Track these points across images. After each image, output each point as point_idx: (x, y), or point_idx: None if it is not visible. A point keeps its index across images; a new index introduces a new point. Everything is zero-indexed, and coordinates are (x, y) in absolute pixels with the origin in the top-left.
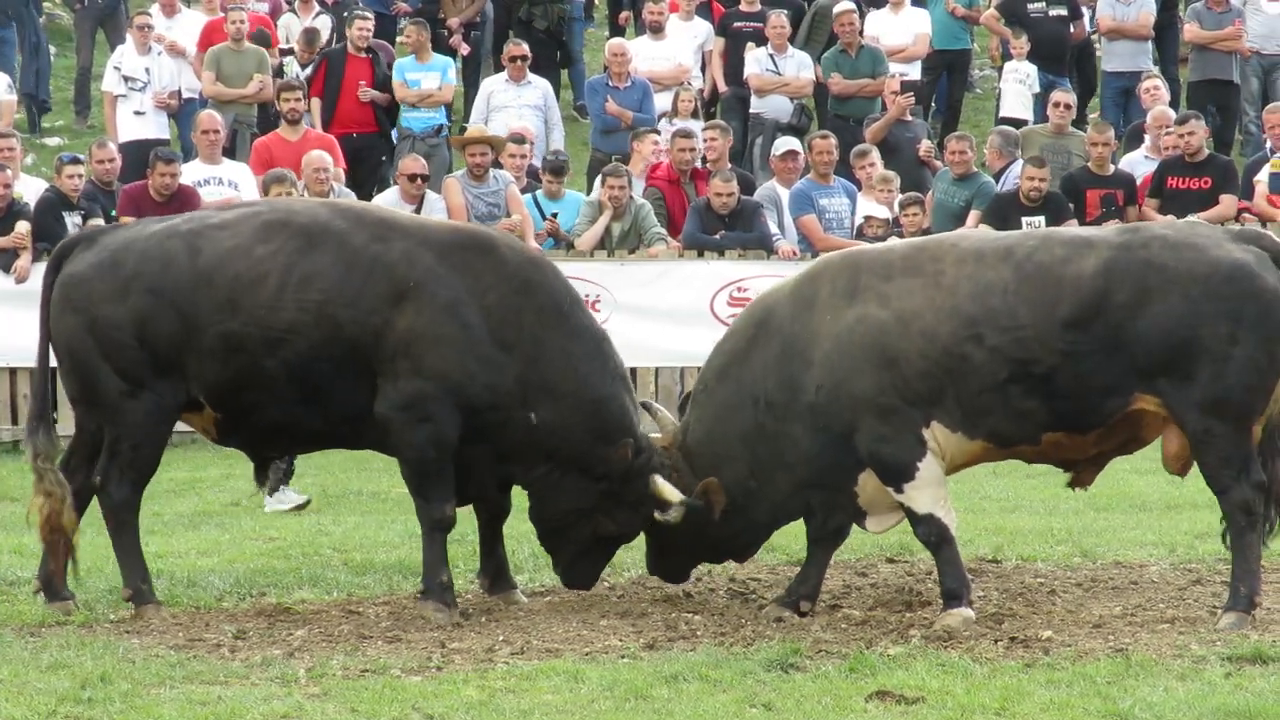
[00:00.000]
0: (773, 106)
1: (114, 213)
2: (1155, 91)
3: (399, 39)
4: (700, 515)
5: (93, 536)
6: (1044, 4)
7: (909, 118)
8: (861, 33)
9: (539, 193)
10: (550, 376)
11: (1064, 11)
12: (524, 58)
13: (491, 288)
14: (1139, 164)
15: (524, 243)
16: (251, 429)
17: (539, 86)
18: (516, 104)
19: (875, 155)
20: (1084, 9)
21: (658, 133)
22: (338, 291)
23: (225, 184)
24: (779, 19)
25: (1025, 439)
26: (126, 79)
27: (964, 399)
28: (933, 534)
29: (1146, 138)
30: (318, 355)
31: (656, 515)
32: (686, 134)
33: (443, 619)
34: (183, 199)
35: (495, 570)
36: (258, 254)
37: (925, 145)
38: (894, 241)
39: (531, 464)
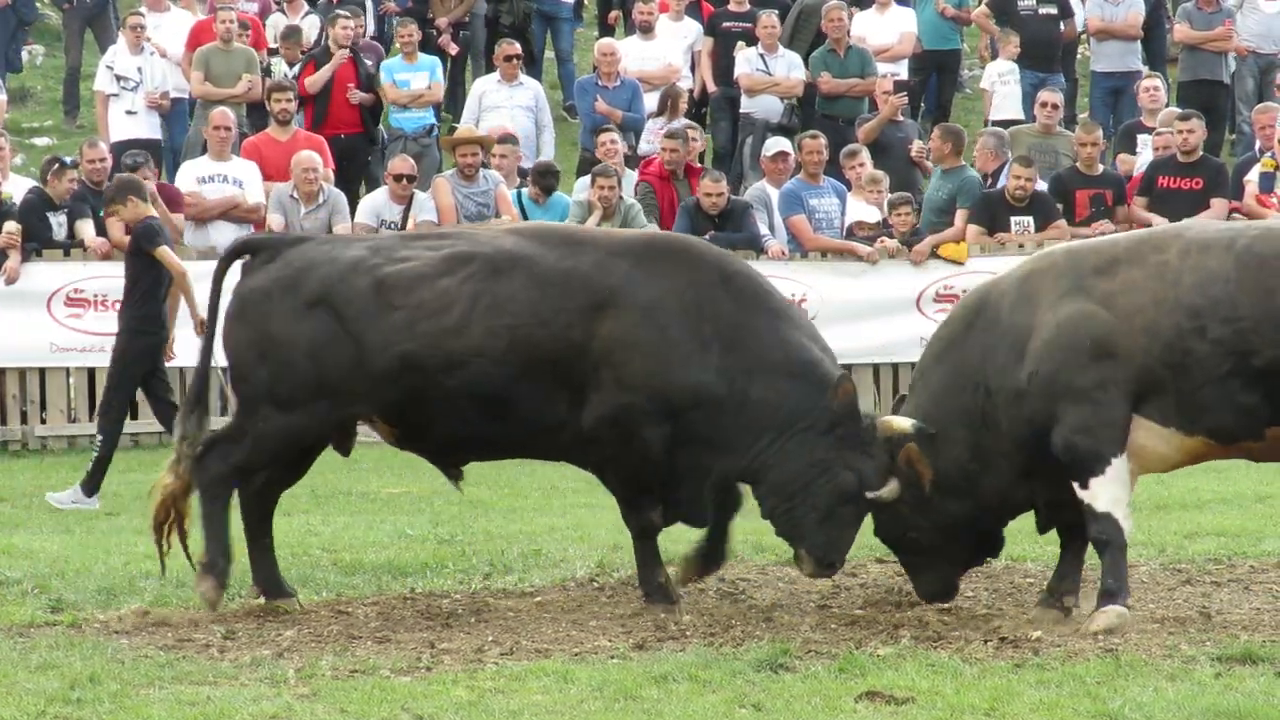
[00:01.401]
0: (763, 107)
1: (102, 213)
2: (1155, 93)
3: (396, 41)
4: (929, 509)
5: (81, 536)
6: (1034, 2)
7: (900, 118)
8: (848, 33)
9: (525, 193)
10: (756, 354)
11: (1054, 10)
12: (516, 57)
13: (689, 285)
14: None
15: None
16: (431, 441)
17: (530, 87)
18: (508, 104)
19: (865, 155)
20: (1074, 8)
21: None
22: (531, 313)
23: (230, 181)
24: (769, 19)
25: (1249, 434)
26: (119, 78)
27: (1183, 393)
28: (1106, 533)
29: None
30: (506, 374)
31: (869, 495)
32: (675, 134)
33: (672, 617)
34: (168, 198)
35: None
36: (443, 284)
37: (917, 145)
38: (1117, 235)
39: (747, 448)
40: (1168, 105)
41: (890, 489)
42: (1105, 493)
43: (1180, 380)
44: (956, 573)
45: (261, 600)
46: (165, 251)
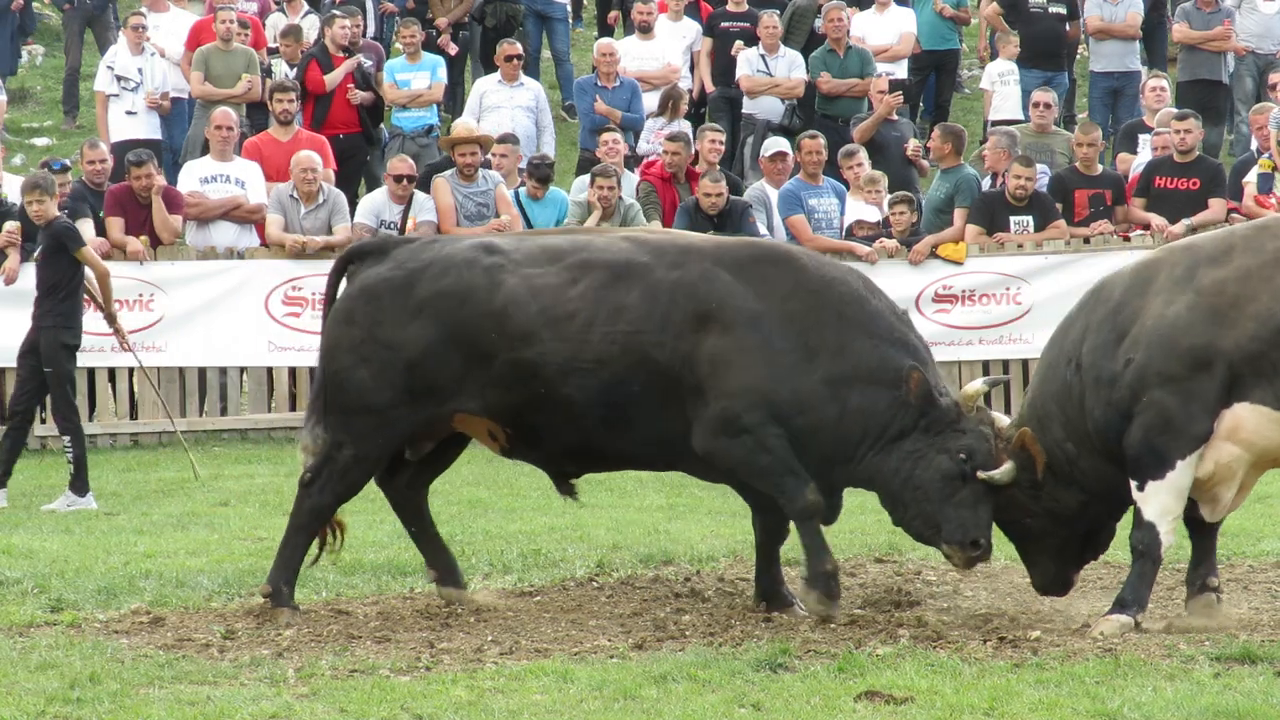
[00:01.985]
0: (763, 107)
1: (101, 214)
2: (1160, 93)
3: (398, 41)
4: (1041, 495)
5: (81, 536)
6: (1045, 1)
7: (895, 117)
8: (848, 33)
9: (523, 190)
10: (854, 363)
11: (1063, 10)
12: (518, 57)
13: (791, 295)
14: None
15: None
16: (544, 449)
17: (531, 88)
18: (509, 104)
19: (863, 155)
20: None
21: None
22: (646, 321)
23: (233, 181)
24: (770, 19)
25: None
26: (119, 78)
27: None
28: (1144, 543)
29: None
30: (622, 383)
31: (981, 475)
32: (677, 137)
33: (825, 610)
34: (167, 199)
35: (769, 586)
36: (560, 290)
37: (913, 145)
38: (1236, 225)
39: (848, 456)
40: (1174, 105)
41: (1004, 471)
42: (1156, 500)
43: None
44: (1070, 566)
45: (435, 586)
46: (88, 252)
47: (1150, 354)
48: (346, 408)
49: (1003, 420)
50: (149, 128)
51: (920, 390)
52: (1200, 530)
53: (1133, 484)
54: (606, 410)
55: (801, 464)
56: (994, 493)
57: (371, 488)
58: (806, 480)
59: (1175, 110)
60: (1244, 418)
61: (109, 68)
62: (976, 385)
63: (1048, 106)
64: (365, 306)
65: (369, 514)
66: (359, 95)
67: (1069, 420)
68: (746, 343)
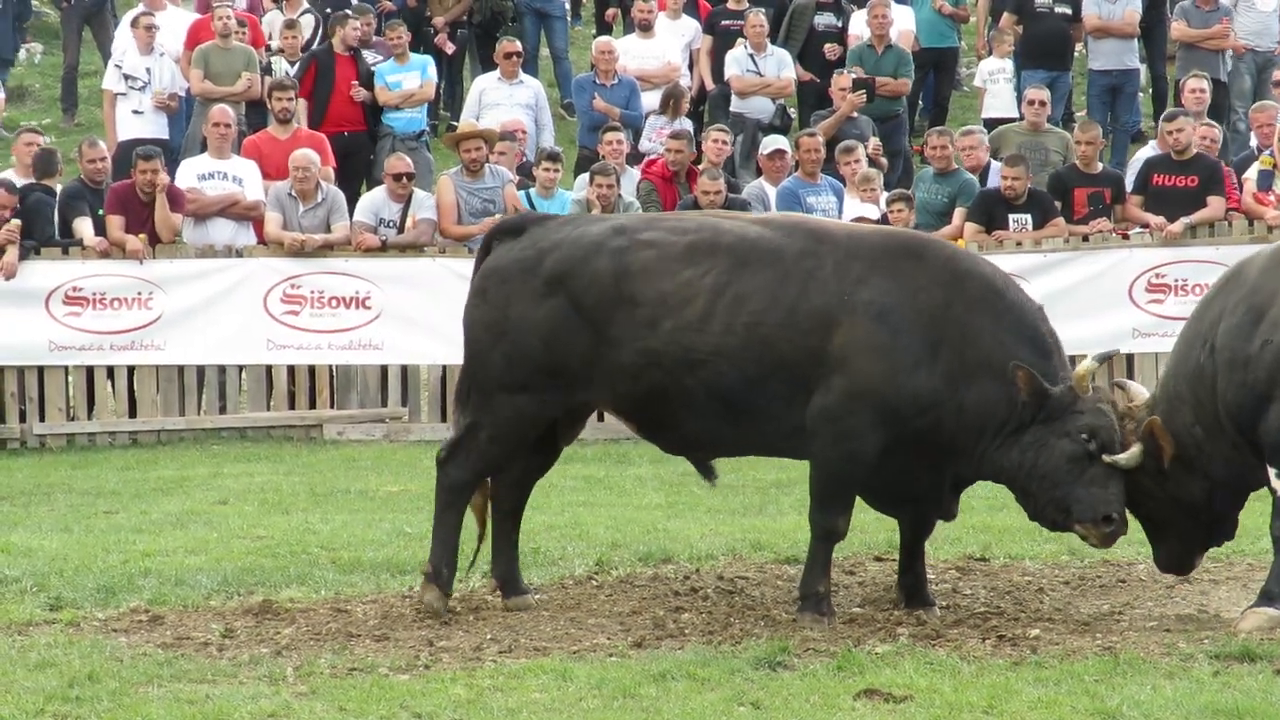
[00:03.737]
0: (754, 106)
1: (101, 211)
2: (1200, 94)
3: (385, 39)
4: (1166, 481)
5: (80, 534)
6: (1050, 0)
7: (856, 115)
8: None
9: (532, 190)
10: (976, 357)
11: (1068, 10)
12: (517, 55)
13: (922, 289)
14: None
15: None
16: (672, 437)
17: (531, 86)
18: (508, 102)
19: (861, 151)
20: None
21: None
22: (771, 312)
23: (230, 179)
24: (757, 17)
25: None
26: (127, 78)
27: None
28: None
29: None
30: (746, 374)
31: (1105, 459)
32: (680, 135)
33: (820, 629)
34: (170, 197)
35: (911, 585)
36: (686, 276)
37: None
38: None
39: (971, 449)
40: (1167, 104)
41: (1131, 455)
42: None
43: None
44: (1195, 549)
45: (498, 595)
46: None
47: None
48: (483, 387)
49: (1142, 394)
50: (156, 127)
51: (1030, 386)
52: None
53: (1271, 471)
54: (730, 402)
55: (925, 454)
56: (1122, 470)
57: (371, 485)
58: (849, 510)
59: (1171, 110)
60: None
61: (117, 66)
62: (1087, 364)
63: (1042, 104)
64: (498, 286)
65: (368, 513)
66: (362, 93)
67: (1200, 403)
68: (875, 338)
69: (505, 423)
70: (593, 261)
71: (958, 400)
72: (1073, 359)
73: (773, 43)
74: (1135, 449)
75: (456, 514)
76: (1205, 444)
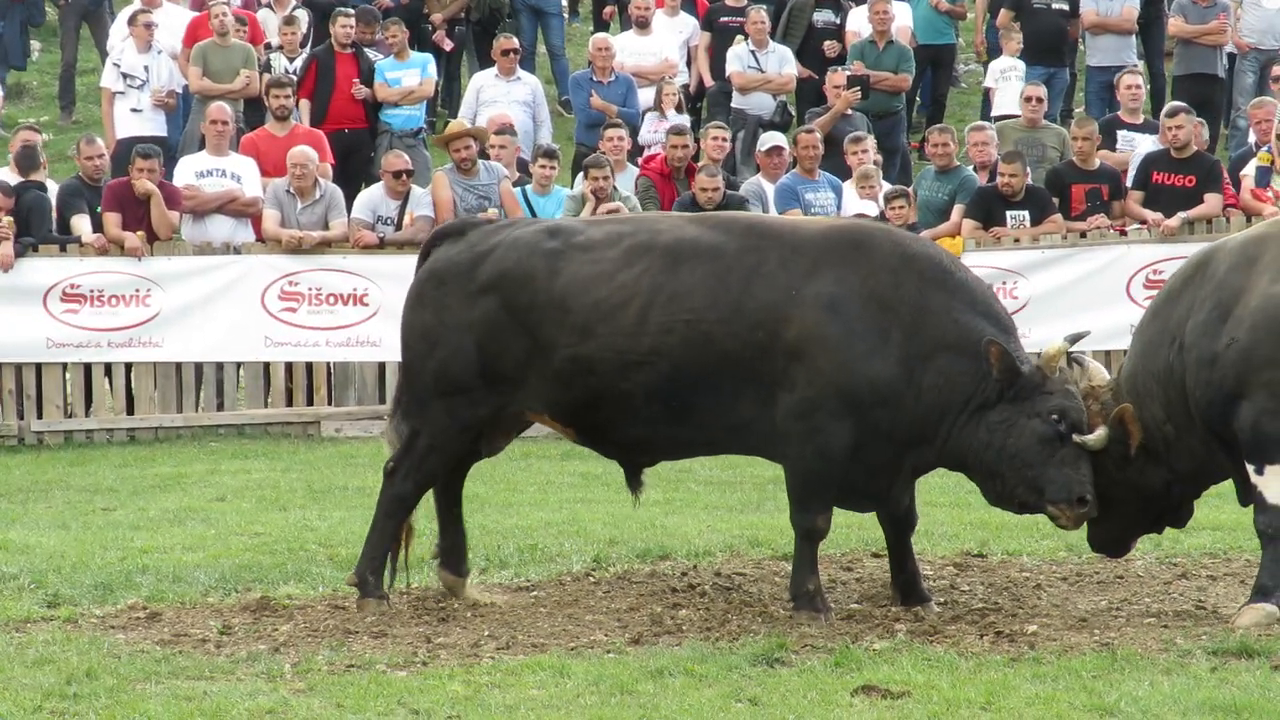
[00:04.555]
0: (754, 103)
1: (98, 209)
2: (1135, 90)
3: (384, 37)
4: (1128, 467)
5: (78, 531)
6: None
7: (850, 112)
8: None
9: (529, 187)
10: (932, 336)
11: (1065, 7)
12: (514, 51)
13: (870, 275)
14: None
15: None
16: (611, 442)
17: (528, 83)
18: (506, 99)
19: (869, 143)
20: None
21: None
22: (712, 309)
23: (229, 176)
24: (759, 14)
25: None
26: (125, 76)
27: None
28: (1273, 526)
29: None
30: (688, 373)
31: (1075, 439)
32: (681, 130)
33: (818, 626)
34: (166, 196)
35: (905, 584)
36: (620, 279)
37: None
38: None
39: (933, 434)
40: (1165, 100)
41: (1098, 436)
42: (1278, 483)
43: None
44: (1136, 534)
45: (437, 563)
46: None
47: (1256, 335)
48: (419, 394)
49: (1102, 375)
50: (154, 125)
51: (1002, 362)
52: None
53: (1250, 468)
54: (670, 403)
55: (883, 448)
56: (1089, 451)
57: (369, 482)
58: (829, 508)
59: (1173, 105)
60: None
61: (115, 65)
62: (1059, 345)
63: (1040, 101)
64: (434, 289)
65: (365, 509)
66: (363, 91)
67: (1170, 401)
68: (827, 329)
69: (442, 430)
70: (526, 264)
71: (916, 382)
72: (1071, 357)
73: (771, 39)
74: (1101, 431)
75: (395, 524)
76: (1176, 441)
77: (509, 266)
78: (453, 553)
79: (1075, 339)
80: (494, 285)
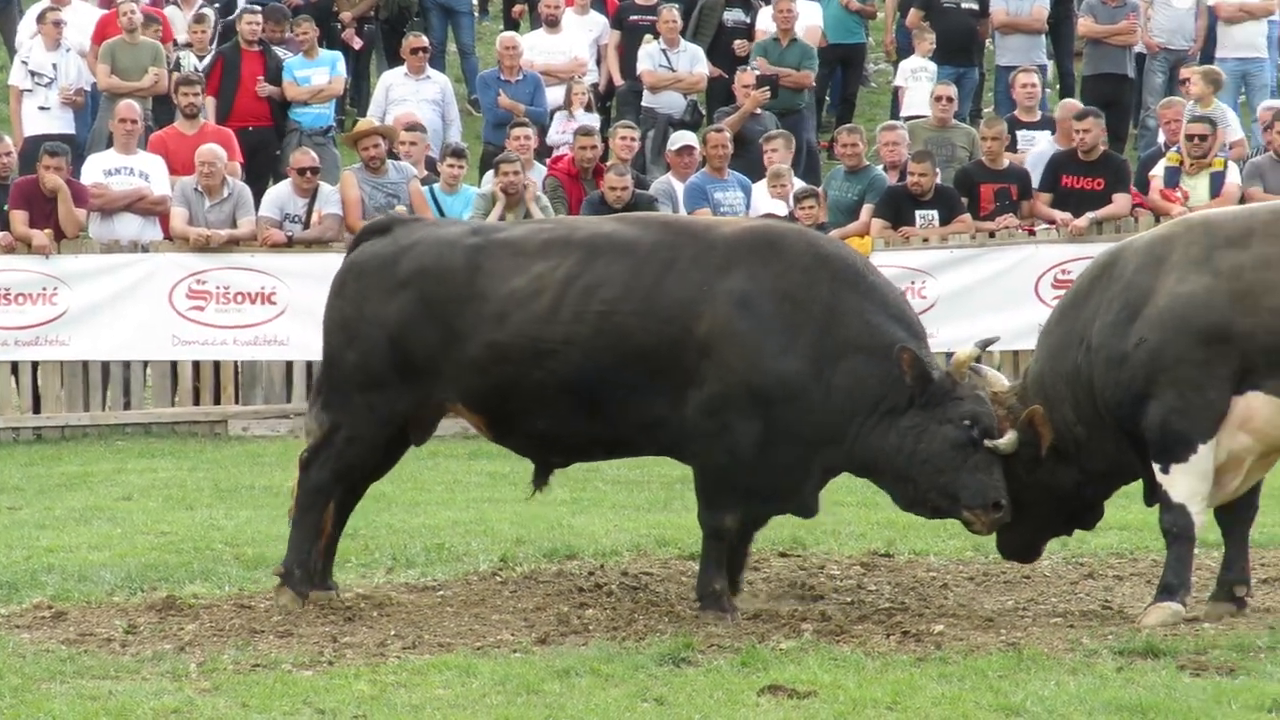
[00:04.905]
0: (665, 102)
1: (5, 206)
2: (1030, 89)
3: (294, 35)
4: (1038, 469)
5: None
6: None
7: (759, 111)
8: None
9: (437, 186)
10: (843, 337)
11: (975, 6)
12: (423, 50)
13: (783, 273)
14: (1044, 155)
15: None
16: (523, 435)
17: (438, 81)
18: (415, 98)
19: (780, 142)
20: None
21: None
22: (625, 300)
23: (137, 174)
24: (670, 13)
25: None
26: (33, 74)
27: None
28: (1177, 525)
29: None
30: (599, 364)
31: (986, 443)
32: (588, 130)
33: (725, 625)
34: (75, 194)
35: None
36: (537, 269)
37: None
38: (1256, 206)
39: (842, 435)
40: (1080, 99)
41: (1008, 440)
42: (1184, 482)
43: None
44: (1046, 537)
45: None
46: None
47: (1164, 335)
48: (339, 386)
49: (1001, 381)
50: (63, 123)
51: (915, 369)
52: (1233, 526)
53: (1156, 467)
54: (581, 396)
55: (793, 447)
56: (1000, 456)
57: (276, 480)
58: (737, 507)
59: (1079, 105)
60: (1257, 408)
61: (23, 62)
62: (968, 350)
63: (950, 101)
64: (355, 281)
65: (272, 508)
66: (267, 88)
67: (1080, 403)
68: (737, 324)
69: (361, 422)
70: (446, 257)
71: (826, 382)
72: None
73: (682, 38)
74: (1012, 434)
75: (316, 515)
76: (1087, 442)
77: (429, 262)
78: (321, 571)
79: (985, 344)
80: (413, 279)
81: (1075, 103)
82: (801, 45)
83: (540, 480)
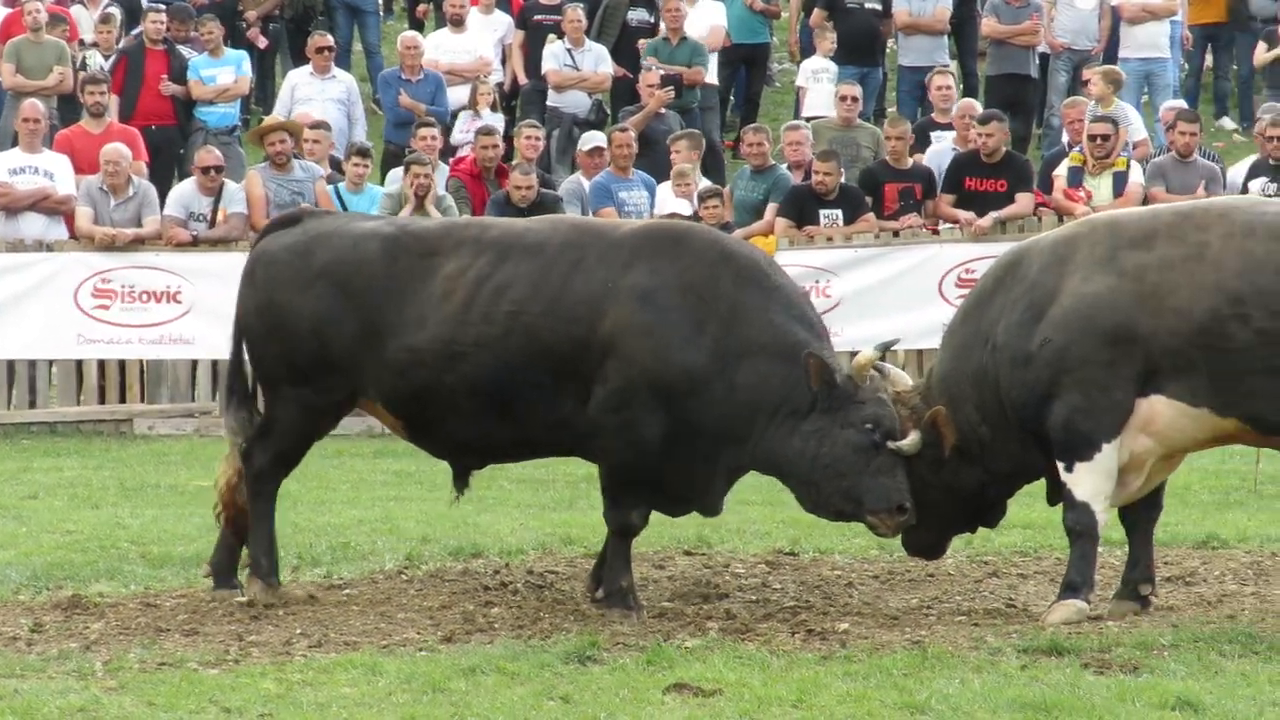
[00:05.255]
0: (570, 101)
1: None
2: (946, 90)
3: (199, 34)
4: (942, 470)
5: None
6: None
7: (664, 111)
8: (657, 25)
9: (342, 185)
10: (747, 334)
11: (878, 7)
12: (329, 49)
13: (687, 269)
14: (944, 154)
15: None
16: (439, 439)
17: (343, 80)
18: (320, 97)
19: (686, 143)
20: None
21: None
22: (533, 301)
23: (41, 173)
24: (575, 12)
25: None
26: None
27: (1219, 377)
28: (1081, 523)
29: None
30: (509, 365)
31: (890, 445)
32: (490, 130)
33: (630, 623)
34: None
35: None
36: (449, 270)
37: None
38: (1159, 207)
39: (746, 434)
40: (983, 99)
41: (910, 441)
42: (1088, 481)
43: (1216, 363)
44: (950, 535)
45: (210, 583)
46: None
47: (1069, 335)
48: (267, 379)
49: (905, 380)
50: None
51: (821, 375)
52: (1137, 525)
53: (1060, 466)
54: (494, 398)
55: (696, 444)
56: (904, 459)
57: (181, 479)
58: (643, 505)
59: (978, 105)
60: (1160, 411)
61: None
62: (868, 353)
63: (854, 100)
64: (265, 268)
65: (178, 507)
66: (171, 87)
67: (984, 403)
68: (641, 318)
69: (295, 415)
70: (362, 248)
71: (729, 378)
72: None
73: (586, 37)
74: (915, 436)
75: (266, 502)
76: (991, 442)
77: (345, 251)
78: (223, 571)
79: (886, 347)
80: (328, 270)
81: (973, 103)
82: (692, 43)
83: (460, 484)
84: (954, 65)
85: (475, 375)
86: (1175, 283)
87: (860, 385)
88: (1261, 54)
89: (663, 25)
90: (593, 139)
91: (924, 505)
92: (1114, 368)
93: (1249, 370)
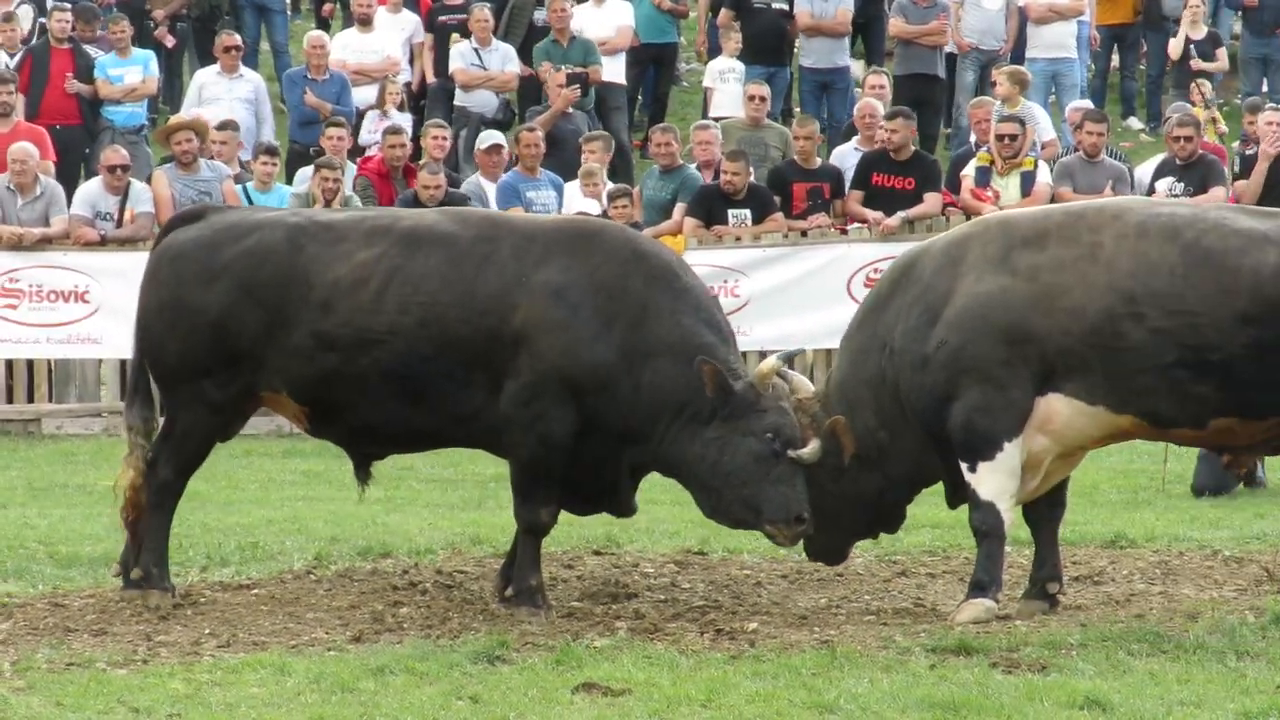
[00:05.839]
0: (477, 100)
1: None
2: (881, 90)
3: (106, 33)
4: (842, 478)
5: None
6: None
7: (571, 111)
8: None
9: (250, 184)
10: (655, 334)
11: (785, 6)
12: (236, 49)
13: (599, 266)
14: (849, 156)
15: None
16: (344, 426)
17: (251, 80)
18: (228, 96)
19: (599, 144)
20: None
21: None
22: (444, 292)
23: None
24: (482, 12)
25: (1190, 422)
26: None
27: (1114, 375)
28: (986, 523)
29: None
30: (420, 357)
31: (790, 454)
32: (397, 130)
33: (538, 623)
34: None
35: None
36: (360, 258)
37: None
38: (1052, 207)
39: (649, 434)
40: (891, 99)
41: (811, 450)
42: (991, 480)
43: (1110, 362)
44: (852, 541)
45: (119, 582)
46: None
47: (964, 335)
48: (164, 379)
49: (807, 387)
50: None
51: (715, 382)
52: (1041, 524)
53: (964, 467)
54: (403, 386)
55: (603, 442)
56: (804, 467)
57: (90, 479)
58: (552, 502)
59: (879, 106)
60: (1057, 409)
61: None
62: (771, 362)
63: (763, 100)
64: (169, 265)
65: (86, 507)
66: (76, 85)
67: (883, 408)
68: (552, 314)
69: (196, 416)
70: (268, 240)
71: (635, 377)
72: (792, 356)
73: (494, 37)
74: (815, 444)
75: (164, 514)
76: (889, 446)
77: (250, 244)
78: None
79: (789, 357)
80: (233, 263)
81: (875, 104)
82: (582, 42)
83: (363, 476)
84: (859, 65)
85: (388, 361)
86: (1068, 283)
87: (762, 393)
88: (1175, 50)
89: (582, 26)
90: (490, 137)
91: (825, 513)
92: (1011, 366)
93: (1142, 368)
